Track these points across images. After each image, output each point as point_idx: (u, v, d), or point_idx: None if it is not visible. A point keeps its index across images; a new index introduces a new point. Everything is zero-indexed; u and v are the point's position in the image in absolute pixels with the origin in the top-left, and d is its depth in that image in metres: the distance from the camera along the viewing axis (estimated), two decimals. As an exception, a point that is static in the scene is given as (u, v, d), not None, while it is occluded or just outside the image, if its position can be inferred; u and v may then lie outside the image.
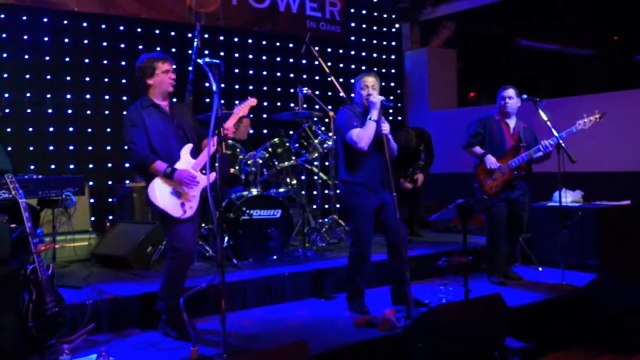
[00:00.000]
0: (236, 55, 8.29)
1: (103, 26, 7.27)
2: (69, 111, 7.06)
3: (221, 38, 8.15)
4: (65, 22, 7.04)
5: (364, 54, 9.56)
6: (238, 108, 4.45)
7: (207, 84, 3.95)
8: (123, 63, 7.37)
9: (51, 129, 6.95)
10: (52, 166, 6.88)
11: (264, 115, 8.36)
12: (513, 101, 5.79)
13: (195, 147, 4.36)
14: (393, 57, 9.98)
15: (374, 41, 9.73)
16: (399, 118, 9.92)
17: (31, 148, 6.80)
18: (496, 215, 5.77)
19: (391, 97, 9.55)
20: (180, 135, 4.32)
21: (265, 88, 8.47)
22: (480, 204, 5.61)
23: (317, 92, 6.93)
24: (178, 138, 4.30)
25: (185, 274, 4.36)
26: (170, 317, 4.25)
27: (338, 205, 7.42)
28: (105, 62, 7.27)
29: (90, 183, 6.92)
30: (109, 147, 7.26)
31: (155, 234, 5.85)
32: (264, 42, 8.51)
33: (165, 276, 4.27)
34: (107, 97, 7.27)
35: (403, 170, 7.14)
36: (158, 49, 7.55)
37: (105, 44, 7.28)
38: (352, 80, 5.06)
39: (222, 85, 4.03)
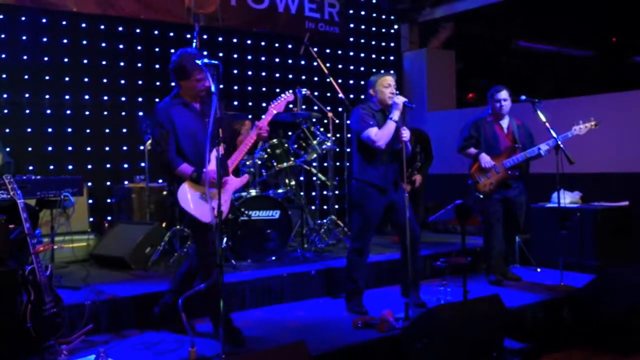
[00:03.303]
0: (235, 56, 8.29)
1: (102, 27, 7.26)
2: (68, 112, 7.06)
3: (220, 39, 8.15)
4: (64, 22, 7.03)
5: (362, 54, 9.56)
6: (273, 105, 4.33)
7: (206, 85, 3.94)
8: (122, 64, 7.37)
9: (50, 130, 6.94)
10: (51, 167, 6.87)
11: (263, 116, 8.33)
12: (507, 103, 5.81)
13: (227, 146, 4.23)
14: (392, 58, 9.98)
15: (373, 42, 9.74)
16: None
17: (30, 148, 6.79)
18: (492, 215, 5.79)
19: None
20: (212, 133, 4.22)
21: (264, 89, 8.47)
22: (477, 203, 5.62)
23: (315, 93, 6.94)
24: (207, 136, 4.13)
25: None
26: (171, 316, 4.22)
27: (337, 206, 7.43)
28: (104, 62, 7.26)
29: (89, 184, 6.91)
30: (107, 148, 7.26)
31: (153, 235, 5.85)
32: (262, 43, 8.51)
33: (177, 277, 4.21)
34: (105, 97, 7.26)
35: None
36: (157, 50, 7.58)
37: (104, 44, 7.27)
38: (370, 79, 5.04)
39: (221, 86, 4.01)
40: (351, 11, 9.41)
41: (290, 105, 8.25)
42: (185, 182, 4.03)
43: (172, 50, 7.42)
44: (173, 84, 4.27)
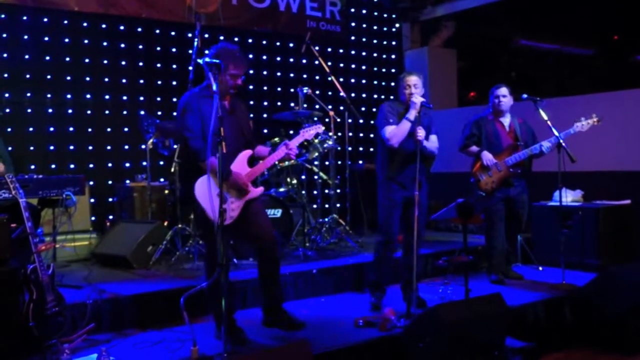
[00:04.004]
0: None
1: (103, 26, 7.27)
2: (69, 111, 7.06)
3: (221, 38, 8.13)
4: (66, 21, 7.03)
5: (364, 53, 9.56)
6: (305, 132, 4.47)
7: (207, 84, 3.94)
8: (123, 63, 7.37)
9: (51, 129, 6.95)
10: (53, 166, 6.88)
11: (264, 115, 8.36)
12: (507, 99, 5.80)
13: (246, 142, 4.25)
14: (393, 56, 9.97)
15: (374, 41, 9.73)
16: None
17: (31, 148, 6.80)
18: (494, 214, 5.78)
19: (391, 97, 9.54)
20: (236, 132, 4.19)
21: (265, 88, 8.47)
22: (479, 201, 5.62)
23: (317, 92, 6.93)
24: (234, 135, 4.15)
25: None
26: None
27: (338, 205, 7.43)
28: (105, 62, 7.27)
29: (91, 183, 6.92)
30: (109, 147, 7.26)
31: (155, 234, 5.86)
32: (264, 42, 8.51)
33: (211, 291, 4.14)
34: (107, 96, 7.27)
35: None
36: (158, 49, 7.58)
37: (105, 43, 7.28)
38: (399, 78, 5.06)
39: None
40: (352, 10, 9.40)
41: (292, 104, 8.33)
42: (211, 174, 3.95)
43: (174, 50, 7.60)
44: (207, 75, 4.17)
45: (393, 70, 9.94)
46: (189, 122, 4.05)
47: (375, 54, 9.72)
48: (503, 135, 5.82)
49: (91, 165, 7.14)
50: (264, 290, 4.42)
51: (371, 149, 9.22)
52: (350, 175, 7.45)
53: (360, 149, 9.10)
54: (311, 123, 4.59)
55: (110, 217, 7.07)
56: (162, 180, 7.15)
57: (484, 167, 5.74)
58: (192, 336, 3.82)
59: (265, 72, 8.50)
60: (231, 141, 4.08)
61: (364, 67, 9.52)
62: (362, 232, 7.57)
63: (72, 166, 7.00)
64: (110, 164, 7.28)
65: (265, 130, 8.32)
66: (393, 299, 5.10)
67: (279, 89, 8.59)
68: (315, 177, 7.00)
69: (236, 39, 8.26)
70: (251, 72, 8.37)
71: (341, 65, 9.21)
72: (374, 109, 9.48)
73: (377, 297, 5.02)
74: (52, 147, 6.94)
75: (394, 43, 10.00)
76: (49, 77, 6.94)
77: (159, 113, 7.47)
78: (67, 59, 7.05)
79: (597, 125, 5.68)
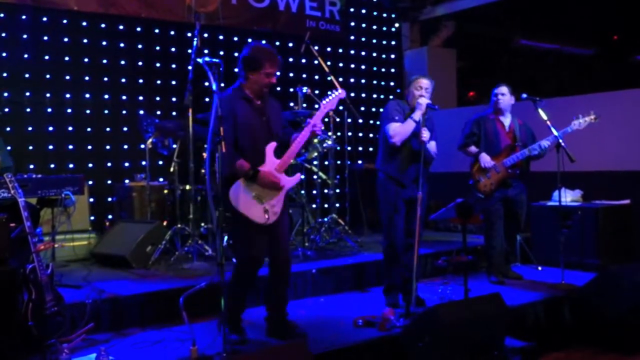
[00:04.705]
0: (236, 54, 8.25)
1: (103, 25, 7.26)
2: (69, 110, 7.05)
3: (221, 37, 8.15)
4: (65, 21, 7.02)
5: (363, 53, 9.55)
6: (326, 103, 4.25)
7: (206, 84, 3.92)
8: (122, 62, 7.36)
9: (51, 128, 6.94)
10: (52, 165, 6.87)
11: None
12: (506, 98, 5.80)
13: (281, 146, 4.19)
14: (393, 56, 9.97)
15: (374, 40, 9.72)
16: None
17: (30, 147, 6.79)
18: (493, 214, 5.78)
19: (391, 97, 9.54)
20: (269, 133, 4.16)
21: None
22: (478, 203, 5.62)
23: (316, 92, 6.92)
24: (266, 135, 4.13)
25: (251, 283, 4.21)
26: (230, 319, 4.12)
27: (338, 205, 7.42)
28: (104, 61, 7.26)
29: (90, 182, 6.90)
30: (108, 147, 7.25)
31: (154, 233, 5.85)
32: (263, 42, 8.44)
33: (230, 283, 4.09)
34: (106, 96, 7.26)
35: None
36: (158, 48, 7.58)
37: (104, 43, 7.27)
38: (410, 79, 5.09)
39: (222, 85, 3.99)
40: (352, 9, 9.40)
41: (292, 104, 8.32)
42: (240, 180, 3.97)
43: (173, 49, 7.59)
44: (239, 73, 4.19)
45: (392, 70, 9.94)
46: (220, 128, 3.96)
47: (374, 54, 9.72)
48: (502, 135, 5.82)
49: (90, 165, 7.13)
50: (269, 300, 4.37)
51: (370, 149, 9.21)
52: (350, 175, 7.44)
53: (360, 148, 9.08)
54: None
55: (110, 216, 7.07)
56: (161, 180, 7.14)
57: (482, 169, 5.74)
58: (191, 336, 3.82)
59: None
60: (261, 142, 4.08)
61: (363, 67, 9.51)
62: (362, 231, 7.57)
63: (71, 166, 6.99)
64: (109, 164, 7.27)
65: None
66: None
67: (278, 88, 8.56)
68: (315, 176, 7.00)
69: (235, 39, 8.26)
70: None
71: (340, 64, 9.21)
72: (373, 109, 9.49)
73: (393, 298, 4.98)
74: (51, 147, 6.93)
75: (393, 43, 10.00)
76: (48, 76, 6.93)
77: (158, 113, 7.46)
78: (67, 58, 7.04)
79: (597, 125, 5.68)
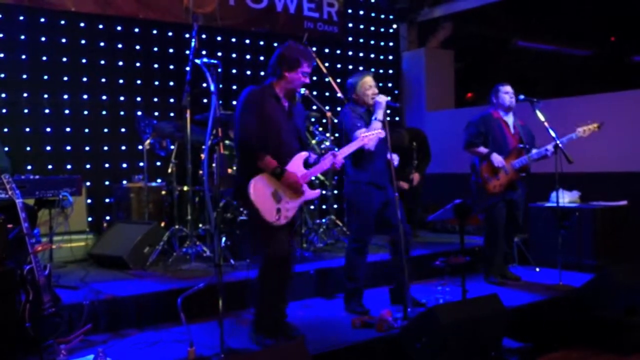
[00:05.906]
0: (234, 55, 8.28)
1: (100, 26, 7.25)
2: (66, 111, 7.05)
3: (219, 38, 8.14)
4: (63, 22, 7.02)
5: (361, 54, 9.56)
6: (362, 136, 4.44)
7: (204, 85, 3.93)
8: (120, 63, 7.36)
9: (48, 129, 6.93)
10: (49, 166, 6.86)
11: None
12: (513, 96, 5.79)
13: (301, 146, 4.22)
14: (390, 57, 9.98)
15: (372, 42, 9.73)
16: (397, 118, 9.92)
17: (28, 148, 6.78)
18: (495, 216, 5.76)
19: (388, 98, 9.54)
20: (293, 135, 4.15)
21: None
22: (481, 203, 5.61)
23: (314, 93, 6.93)
24: (291, 138, 4.12)
25: (281, 284, 4.12)
26: (261, 324, 4.11)
27: (336, 206, 7.42)
28: (102, 62, 7.26)
29: (88, 183, 6.90)
30: (106, 148, 7.25)
31: (152, 235, 5.85)
32: (261, 43, 8.50)
33: (257, 286, 4.07)
34: (104, 97, 7.25)
35: (398, 170, 7.13)
36: (155, 49, 7.57)
37: (102, 44, 7.26)
38: (348, 81, 5.04)
39: (220, 86, 3.99)
40: (350, 11, 9.41)
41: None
42: (264, 174, 3.96)
43: (171, 50, 7.58)
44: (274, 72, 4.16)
45: (390, 71, 9.95)
46: (246, 120, 3.96)
47: (372, 55, 9.72)
48: (509, 136, 5.80)
49: (88, 166, 7.12)
50: None
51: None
52: (346, 177, 7.40)
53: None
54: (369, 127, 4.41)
55: (107, 217, 7.06)
56: (159, 181, 7.14)
57: (494, 169, 5.70)
58: (189, 337, 3.81)
59: (262, 73, 8.41)
60: (287, 144, 4.07)
61: (361, 68, 9.48)
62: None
63: (68, 167, 6.99)
64: (107, 165, 7.26)
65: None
66: (389, 301, 5.11)
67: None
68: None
69: (233, 40, 8.26)
70: (248, 73, 8.38)
71: (338, 66, 9.21)
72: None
73: (358, 304, 4.90)
74: (48, 148, 6.92)
75: (391, 44, 10.01)
76: (45, 77, 6.92)
77: (156, 114, 7.46)
78: (64, 59, 7.03)
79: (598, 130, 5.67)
